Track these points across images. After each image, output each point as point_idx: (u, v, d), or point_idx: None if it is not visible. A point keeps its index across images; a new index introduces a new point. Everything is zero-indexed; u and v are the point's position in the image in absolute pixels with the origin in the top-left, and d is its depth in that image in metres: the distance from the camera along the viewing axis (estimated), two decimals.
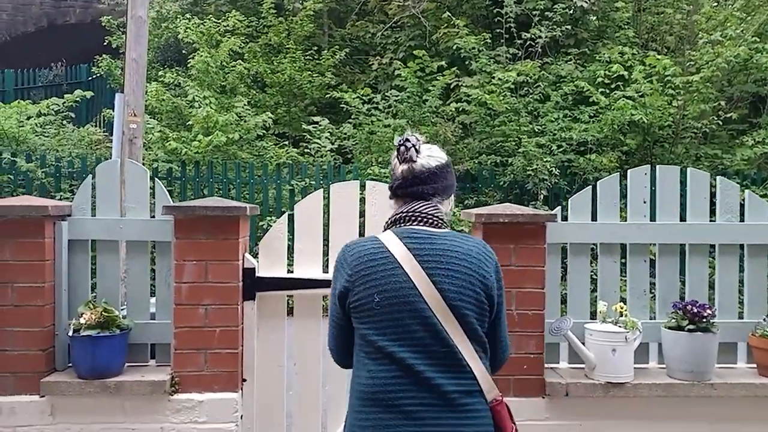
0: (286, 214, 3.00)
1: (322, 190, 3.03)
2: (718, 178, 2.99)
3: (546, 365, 2.79)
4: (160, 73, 10.23)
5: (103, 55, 11.26)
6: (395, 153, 1.83)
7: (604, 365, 2.66)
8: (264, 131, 9.32)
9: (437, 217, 1.75)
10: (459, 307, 1.65)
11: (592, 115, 8.61)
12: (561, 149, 8.26)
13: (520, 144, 8.20)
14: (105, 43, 11.65)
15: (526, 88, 8.79)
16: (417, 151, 1.78)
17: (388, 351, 1.64)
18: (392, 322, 1.66)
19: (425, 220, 1.75)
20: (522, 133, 8.39)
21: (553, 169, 8.00)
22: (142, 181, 2.86)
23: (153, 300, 2.87)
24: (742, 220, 2.92)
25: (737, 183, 3.04)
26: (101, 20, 11.70)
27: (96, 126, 10.73)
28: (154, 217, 2.84)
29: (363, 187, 2.95)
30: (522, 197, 8.02)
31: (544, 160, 7.98)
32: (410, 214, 1.76)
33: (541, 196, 8.03)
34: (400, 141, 1.81)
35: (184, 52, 10.86)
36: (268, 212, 7.88)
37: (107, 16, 11.71)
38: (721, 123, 8.55)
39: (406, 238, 1.72)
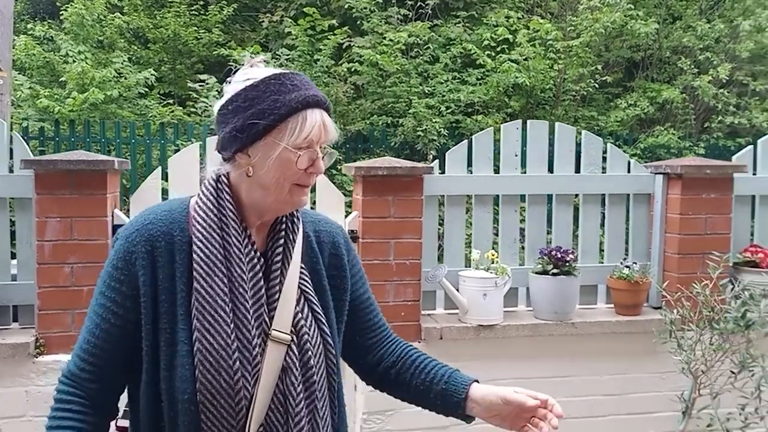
0: (159, 168, 2.89)
1: (198, 144, 2.95)
2: (583, 132, 3.16)
3: (423, 312, 2.89)
4: (29, 25, 9.46)
5: None
6: None
7: (475, 309, 2.79)
8: (146, 89, 8.88)
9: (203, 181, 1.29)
10: None
11: (479, 77, 8.82)
12: (449, 110, 8.43)
13: (411, 105, 8.28)
14: None
15: (416, 50, 8.86)
16: (232, 74, 1.29)
17: None
18: None
19: None
20: (412, 94, 8.48)
21: (442, 129, 8.16)
22: None
23: (14, 261, 2.71)
24: (604, 171, 3.11)
25: (612, 143, 3.23)
26: None
27: None
28: (12, 172, 2.66)
29: None
30: (412, 157, 8.13)
31: (434, 121, 8.12)
32: None
33: (430, 156, 8.19)
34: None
35: (57, 3, 10.09)
36: (151, 173, 7.57)
37: None
38: (597, 86, 9.01)
39: None
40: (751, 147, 3.18)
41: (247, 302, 1.17)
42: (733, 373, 2.64)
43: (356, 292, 1.37)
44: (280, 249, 1.24)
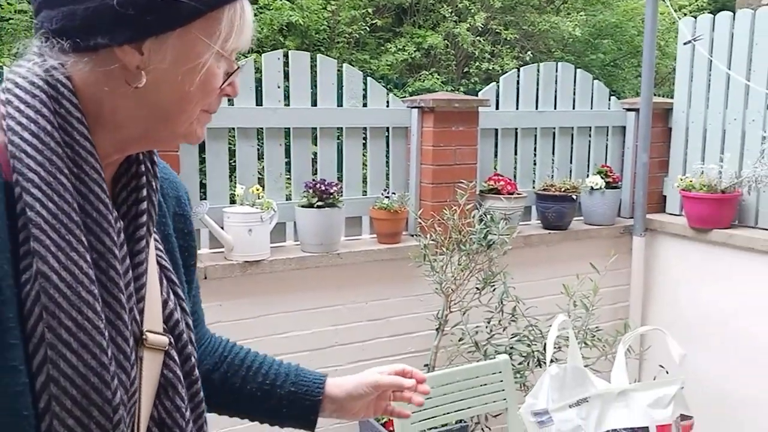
0: None
1: None
2: (344, 65, 3.19)
3: None
4: None
5: None
6: None
7: (241, 246, 2.72)
8: None
9: (6, 77, 0.77)
10: None
11: (255, 13, 8.55)
12: None
13: None
14: None
15: None
16: None
17: None
18: None
19: None
20: None
21: None
22: None
23: None
24: (365, 105, 3.18)
25: (383, 87, 3.28)
26: None
27: None
28: None
29: None
30: None
31: None
32: None
33: None
34: None
35: None
36: None
37: None
38: (369, 30, 9.22)
39: None
40: (494, 84, 3.46)
41: (122, 292, 0.74)
42: (478, 289, 2.91)
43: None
44: (144, 205, 0.82)
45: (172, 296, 0.87)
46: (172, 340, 0.84)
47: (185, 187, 1.02)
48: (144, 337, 0.79)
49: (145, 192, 0.82)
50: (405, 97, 8.20)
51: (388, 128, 3.19)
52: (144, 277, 0.80)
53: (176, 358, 0.84)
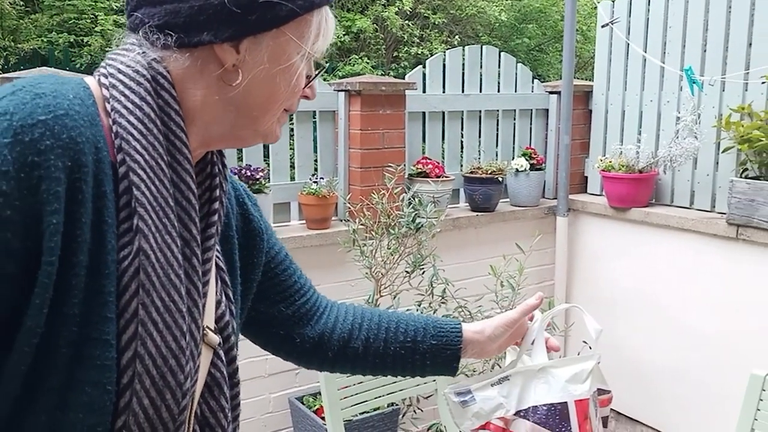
0: None
1: None
2: None
3: None
4: None
5: None
6: None
7: None
8: None
9: (107, 64, 0.77)
10: None
11: None
12: None
13: (97, 22, 7.46)
14: None
15: None
16: None
17: None
18: None
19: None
20: (98, 9, 7.63)
21: None
22: None
23: None
24: None
25: None
26: None
27: None
28: None
29: None
30: None
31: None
32: None
33: None
34: None
35: None
36: None
37: None
38: None
39: None
40: (421, 67, 3.46)
41: (200, 281, 0.76)
42: (407, 273, 2.92)
43: (270, 252, 1.04)
44: (216, 205, 0.82)
45: (224, 298, 0.87)
46: (220, 339, 0.84)
47: (244, 187, 1.03)
48: (204, 332, 0.80)
49: (217, 192, 0.84)
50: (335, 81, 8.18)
51: (315, 112, 3.15)
52: (209, 273, 0.81)
53: (223, 357, 0.84)
